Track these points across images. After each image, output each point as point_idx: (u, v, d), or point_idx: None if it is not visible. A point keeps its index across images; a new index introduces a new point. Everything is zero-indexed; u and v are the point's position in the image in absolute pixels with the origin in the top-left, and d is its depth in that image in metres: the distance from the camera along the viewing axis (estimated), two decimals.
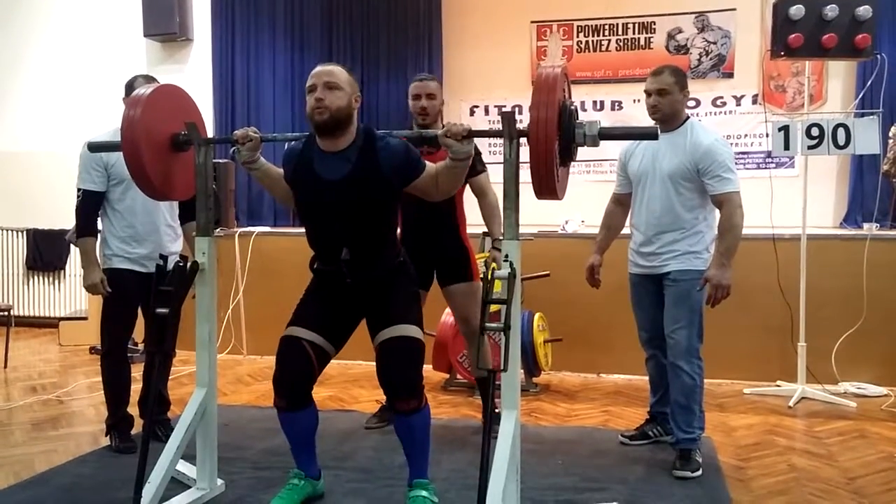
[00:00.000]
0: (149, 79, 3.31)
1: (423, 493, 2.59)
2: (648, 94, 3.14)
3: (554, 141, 2.18)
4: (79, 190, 3.23)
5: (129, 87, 3.30)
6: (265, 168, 2.65)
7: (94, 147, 2.97)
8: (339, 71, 2.49)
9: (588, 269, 3.39)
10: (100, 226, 3.32)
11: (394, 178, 2.49)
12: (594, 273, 3.38)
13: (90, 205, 3.24)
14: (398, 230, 3.33)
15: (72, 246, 6.14)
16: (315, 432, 2.70)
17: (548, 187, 2.22)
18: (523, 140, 2.29)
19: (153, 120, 2.59)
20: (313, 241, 2.63)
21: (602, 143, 2.34)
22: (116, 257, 3.27)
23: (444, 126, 2.37)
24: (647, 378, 3.45)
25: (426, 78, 3.51)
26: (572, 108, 2.29)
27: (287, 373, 2.55)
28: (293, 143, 2.69)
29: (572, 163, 2.44)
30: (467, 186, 3.45)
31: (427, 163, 2.54)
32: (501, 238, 2.94)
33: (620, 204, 3.41)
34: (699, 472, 3.01)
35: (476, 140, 2.44)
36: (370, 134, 2.51)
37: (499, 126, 2.33)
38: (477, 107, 6.80)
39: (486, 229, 3.65)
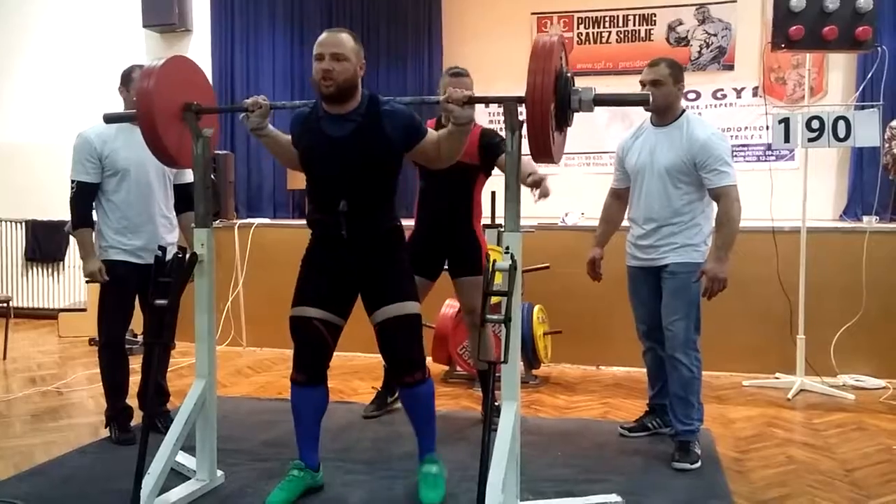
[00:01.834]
0: None
1: (434, 467, 2.72)
2: (643, 85, 3.13)
3: (549, 105, 2.21)
4: (73, 181, 3.23)
5: (126, 76, 3.30)
6: (273, 135, 2.74)
7: (109, 118, 3.02)
8: (346, 39, 2.55)
9: (589, 263, 3.39)
10: (95, 217, 3.32)
11: (396, 140, 2.57)
12: (596, 267, 3.38)
13: (84, 196, 3.23)
14: (412, 214, 3.35)
15: (71, 237, 6.14)
16: (322, 416, 2.75)
17: (544, 150, 2.25)
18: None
19: (166, 90, 2.64)
20: (314, 194, 2.71)
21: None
22: (112, 249, 3.27)
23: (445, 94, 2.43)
24: (646, 370, 3.45)
25: (461, 73, 3.36)
26: (568, 75, 2.34)
27: (305, 349, 2.65)
28: (300, 108, 2.75)
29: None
30: (486, 180, 3.46)
31: (430, 129, 2.64)
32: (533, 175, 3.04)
33: (618, 198, 3.41)
34: (698, 464, 3.01)
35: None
36: (375, 99, 2.61)
37: (499, 117, 2.34)
38: None
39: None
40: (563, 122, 2.38)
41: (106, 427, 3.39)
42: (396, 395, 3.79)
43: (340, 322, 2.68)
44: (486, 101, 2.56)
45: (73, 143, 3.24)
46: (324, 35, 2.56)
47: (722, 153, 3.02)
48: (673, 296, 3.10)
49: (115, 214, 3.26)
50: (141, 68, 3.24)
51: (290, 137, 2.73)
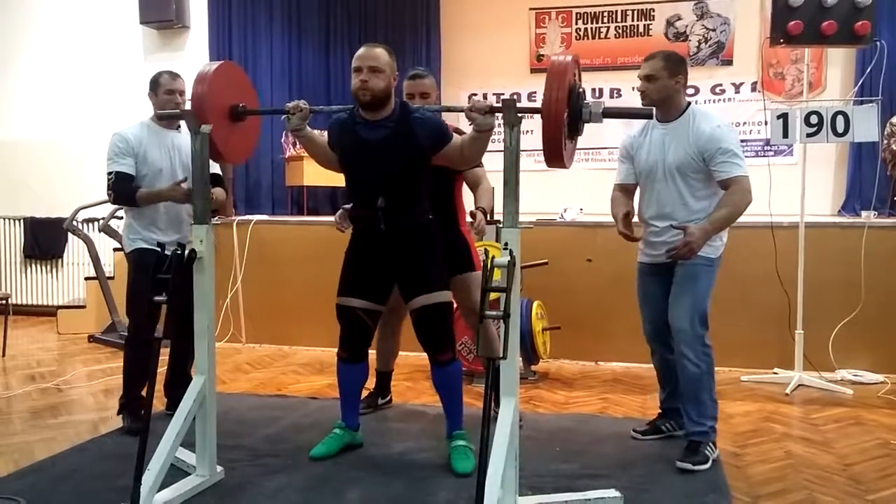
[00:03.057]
0: (173, 75, 3.46)
1: (462, 442, 2.99)
2: (640, 79, 3.10)
3: (563, 116, 2.35)
4: (110, 173, 3.32)
5: (154, 82, 3.45)
6: (311, 135, 2.99)
7: (161, 117, 3.31)
8: (381, 54, 2.83)
9: (623, 219, 3.11)
10: (118, 212, 3.33)
11: (425, 144, 2.83)
12: (629, 218, 3.13)
13: (123, 182, 3.30)
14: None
15: (69, 234, 6.13)
16: (363, 385, 3.16)
17: (556, 156, 2.42)
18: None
19: (216, 93, 2.83)
20: (353, 192, 2.99)
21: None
22: (141, 239, 3.37)
23: (469, 103, 2.62)
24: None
25: (420, 75, 3.36)
26: (580, 90, 2.50)
27: (348, 333, 3.02)
28: (338, 113, 3.00)
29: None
30: (463, 180, 3.47)
31: (454, 135, 2.90)
32: (483, 207, 3.25)
33: (626, 191, 3.27)
34: (704, 467, 2.92)
35: None
36: (406, 106, 2.92)
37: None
38: (475, 94, 6.78)
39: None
40: (575, 131, 2.53)
41: (118, 414, 3.43)
42: (388, 397, 3.83)
43: (380, 308, 3.03)
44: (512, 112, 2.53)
45: (109, 141, 3.35)
46: (362, 50, 2.84)
47: (730, 144, 2.93)
48: (680, 289, 3.01)
49: (145, 212, 3.35)
50: (170, 74, 3.47)
51: (326, 138, 2.99)
